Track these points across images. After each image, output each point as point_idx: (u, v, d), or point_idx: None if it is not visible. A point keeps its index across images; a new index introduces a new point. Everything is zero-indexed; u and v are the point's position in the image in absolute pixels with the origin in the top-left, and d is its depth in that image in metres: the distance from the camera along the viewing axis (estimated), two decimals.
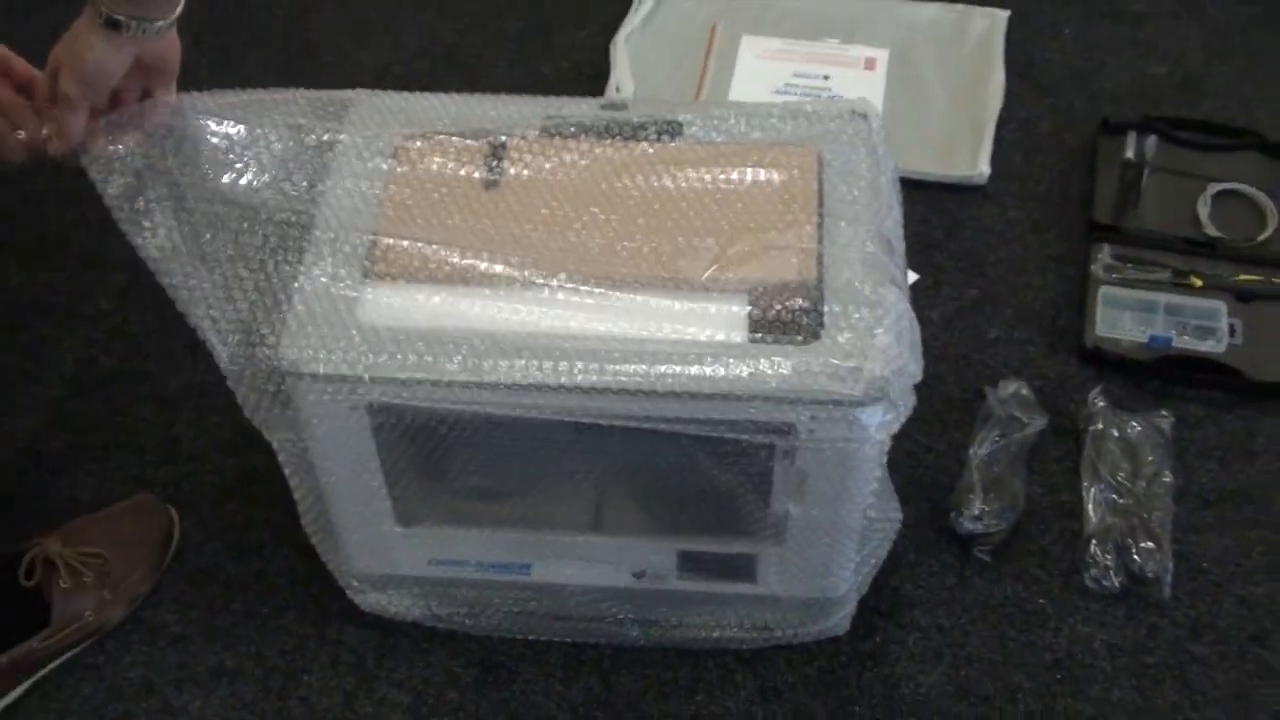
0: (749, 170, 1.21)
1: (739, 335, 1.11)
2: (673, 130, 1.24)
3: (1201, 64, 1.91)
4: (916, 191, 1.71)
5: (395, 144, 1.22)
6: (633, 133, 1.23)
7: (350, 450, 1.17)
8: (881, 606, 1.39)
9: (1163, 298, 1.59)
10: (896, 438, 1.45)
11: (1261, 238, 1.65)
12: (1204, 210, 1.68)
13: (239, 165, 1.15)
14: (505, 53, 1.96)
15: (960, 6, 1.96)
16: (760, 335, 1.11)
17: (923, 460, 1.50)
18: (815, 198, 1.19)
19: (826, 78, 1.88)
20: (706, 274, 1.15)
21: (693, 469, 1.18)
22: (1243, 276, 1.61)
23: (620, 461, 1.23)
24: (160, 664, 1.36)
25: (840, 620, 1.35)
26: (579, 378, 1.08)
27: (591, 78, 1.89)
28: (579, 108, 1.27)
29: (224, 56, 1.97)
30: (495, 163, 1.21)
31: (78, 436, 1.53)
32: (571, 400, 1.10)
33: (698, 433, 1.13)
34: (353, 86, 1.26)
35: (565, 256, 1.15)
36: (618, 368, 1.08)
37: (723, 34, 1.95)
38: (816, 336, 1.10)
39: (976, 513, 1.40)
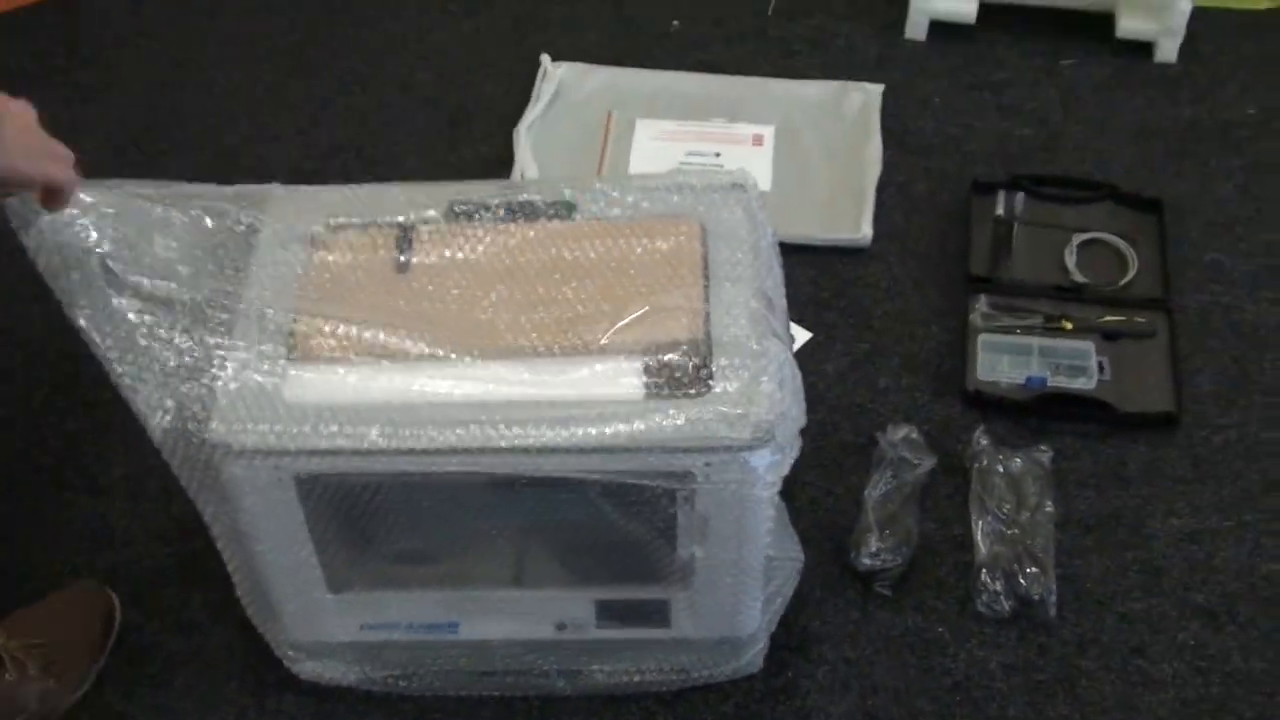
0: (639, 241, 1.32)
1: (637, 392, 1.21)
2: (567, 208, 1.34)
3: (1060, 123, 2.06)
4: (806, 255, 1.83)
5: (311, 231, 1.31)
6: (531, 212, 1.33)
7: (279, 521, 1.24)
8: (791, 643, 1.48)
9: (1036, 341, 1.72)
10: (797, 484, 1.57)
11: (1123, 281, 1.79)
12: (1070, 258, 1.82)
13: (172, 245, 1.23)
14: (414, 147, 2.06)
15: (837, 83, 2.10)
16: (655, 390, 1.21)
17: (823, 504, 1.60)
18: (701, 262, 1.30)
19: (718, 155, 2.01)
20: (604, 338, 1.24)
21: (603, 521, 1.27)
22: (1108, 318, 1.74)
23: (536, 518, 1.31)
24: None
25: (753, 659, 1.44)
26: (491, 440, 1.17)
27: (498, 164, 2.00)
28: (481, 190, 1.37)
29: (148, 164, 2.05)
30: (405, 246, 1.31)
31: (10, 528, 1.59)
32: (485, 461, 1.18)
33: (605, 484, 1.22)
34: None
35: (474, 330, 1.24)
36: (526, 429, 1.17)
37: (618, 119, 2.07)
38: (707, 388, 1.20)
39: (874, 550, 1.50)
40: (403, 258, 1.30)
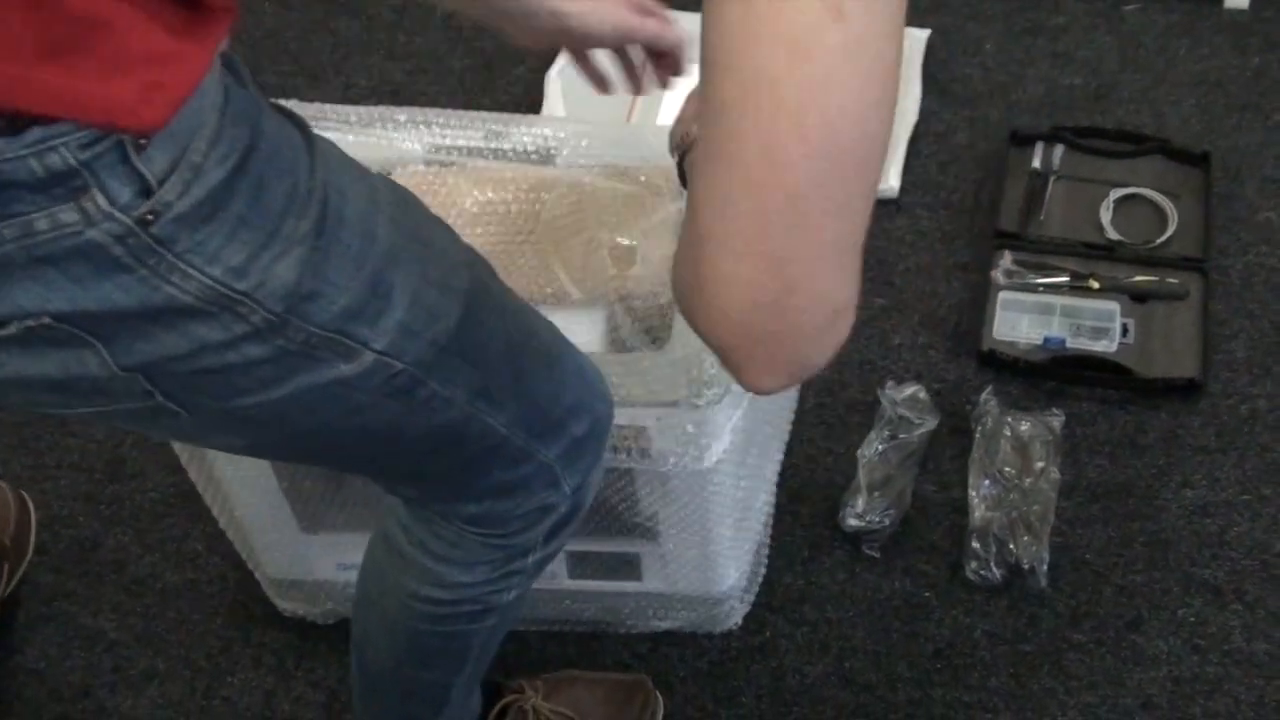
0: (616, 189, 1.29)
1: (597, 345, 1.19)
2: (547, 155, 1.32)
3: (1116, 72, 1.96)
4: None
5: None
6: (507, 157, 1.32)
7: (244, 466, 1.26)
8: (774, 602, 1.46)
9: (1060, 300, 1.65)
10: (796, 441, 1.54)
11: (1160, 240, 1.71)
12: (1106, 215, 1.74)
13: None
14: (448, 89, 2.05)
15: None
16: (615, 344, 1.19)
17: (821, 462, 1.56)
18: (676, 214, 1.27)
19: None
20: (573, 288, 1.23)
21: None
22: (1139, 278, 1.66)
23: None
24: (97, 667, 1.46)
25: (728, 614, 1.42)
26: None
27: (530, 108, 1.98)
28: (464, 133, 1.36)
29: None
30: None
31: (35, 458, 1.64)
32: None
33: None
34: None
35: None
36: None
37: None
38: (663, 343, 1.18)
39: (860, 510, 1.46)
40: None
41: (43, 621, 1.49)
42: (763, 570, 1.45)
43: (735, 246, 0.60)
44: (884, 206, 1.82)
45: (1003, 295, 1.66)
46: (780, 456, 1.45)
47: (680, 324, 1.18)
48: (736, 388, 1.18)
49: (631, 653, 1.43)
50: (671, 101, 1.95)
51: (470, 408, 0.89)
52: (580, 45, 1.13)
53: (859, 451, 1.51)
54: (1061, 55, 2.00)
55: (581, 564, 1.37)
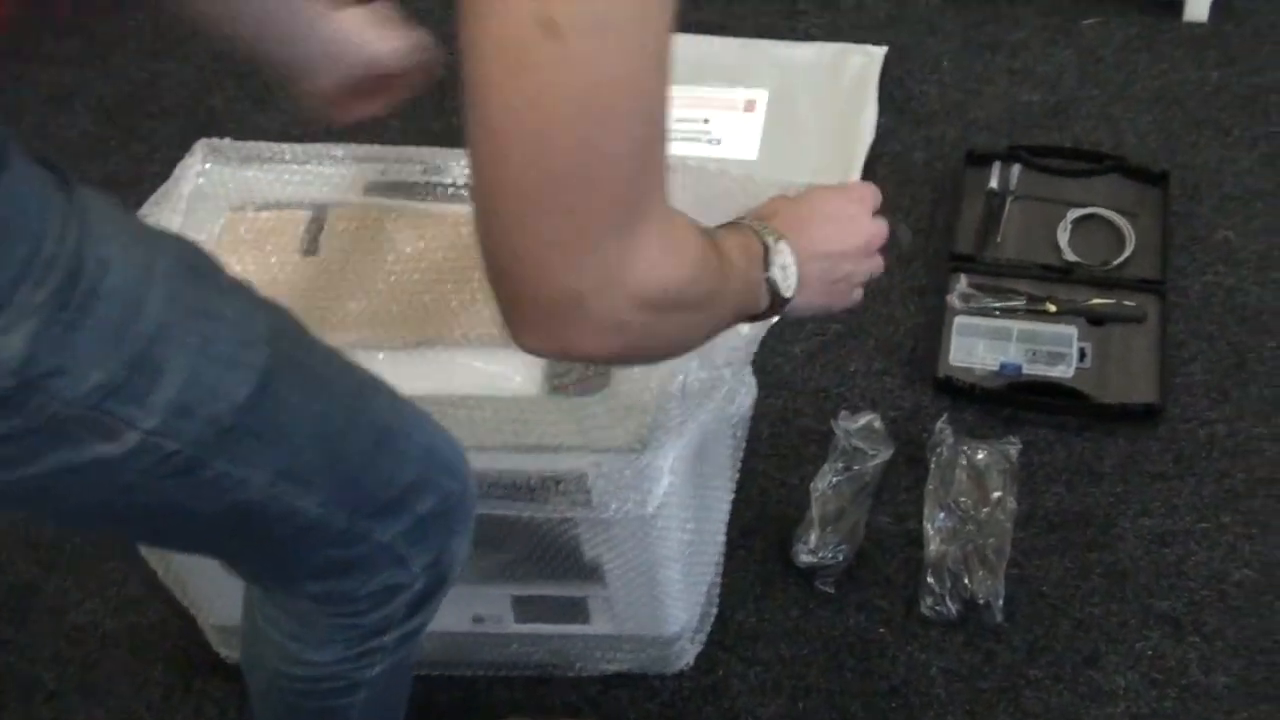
0: None
1: (534, 388, 1.16)
2: None
3: (1074, 88, 1.94)
4: None
5: (225, 216, 1.29)
6: (446, 194, 1.29)
7: None
8: (726, 640, 1.43)
9: (1016, 325, 1.63)
10: (748, 473, 1.51)
11: (1118, 261, 1.68)
12: (1063, 235, 1.72)
13: None
14: (398, 110, 2.01)
15: (837, 46, 2.00)
16: (553, 388, 1.16)
17: (774, 494, 1.54)
18: None
19: (706, 121, 1.94)
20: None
21: (510, 518, 1.23)
22: (1096, 301, 1.64)
23: None
24: (35, 718, 1.43)
25: (684, 655, 1.40)
26: None
27: None
28: (403, 168, 1.33)
29: (132, 130, 2.05)
30: (316, 230, 1.27)
31: None
32: None
33: (503, 483, 1.18)
34: None
35: (381, 320, 1.21)
36: None
37: None
38: (604, 387, 1.15)
39: (812, 545, 1.44)
40: (311, 242, 1.27)
41: None
42: (714, 609, 1.42)
43: (480, 207, 0.67)
44: None
45: (959, 320, 1.64)
46: (730, 494, 1.42)
47: (622, 371, 1.16)
48: (674, 431, 1.15)
49: (581, 695, 1.40)
50: None
51: (271, 489, 0.85)
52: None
53: (812, 484, 1.49)
54: (1020, 71, 1.98)
55: (527, 608, 1.35)
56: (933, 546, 1.44)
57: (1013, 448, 1.52)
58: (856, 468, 1.50)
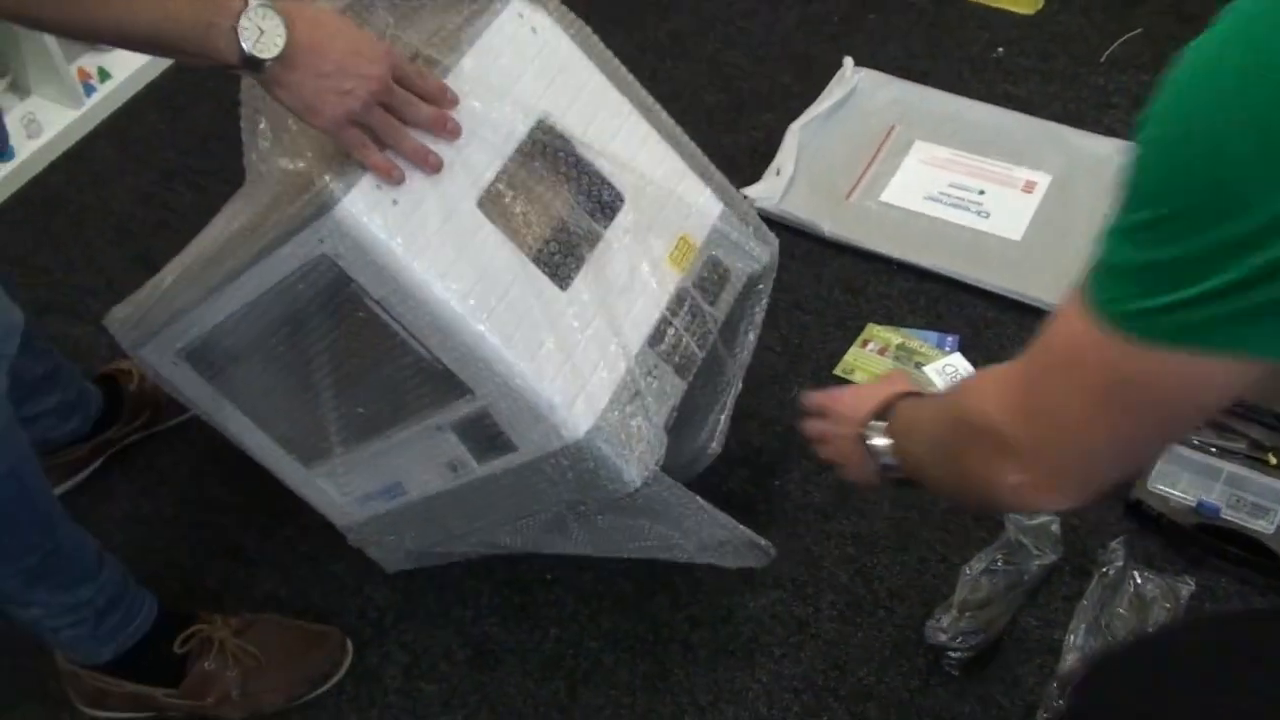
0: None
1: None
2: None
3: None
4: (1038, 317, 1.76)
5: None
6: None
7: (203, 397, 1.42)
8: (841, 691, 1.47)
9: (1228, 467, 1.57)
10: (914, 541, 1.52)
11: None
12: None
13: None
14: (696, 120, 2.12)
15: (1129, 142, 1.96)
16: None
17: (934, 567, 1.56)
18: None
19: (982, 192, 1.94)
20: None
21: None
22: None
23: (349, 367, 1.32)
24: None
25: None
26: None
27: (763, 156, 2.04)
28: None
29: None
30: None
31: None
32: None
33: None
34: None
35: None
36: None
37: (898, 135, 2.04)
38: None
39: (944, 625, 1.45)
40: None
41: None
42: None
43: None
44: None
45: (1173, 448, 1.60)
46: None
47: None
48: None
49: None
50: (903, 177, 1.97)
51: None
52: None
53: (964, 567, 1.50)
54: None
55: (470, 438, 1.31)
56: (1068, 659, 1.43)
57: (1185, 587, 1.48)
58: (1016, 563, 1.50)
